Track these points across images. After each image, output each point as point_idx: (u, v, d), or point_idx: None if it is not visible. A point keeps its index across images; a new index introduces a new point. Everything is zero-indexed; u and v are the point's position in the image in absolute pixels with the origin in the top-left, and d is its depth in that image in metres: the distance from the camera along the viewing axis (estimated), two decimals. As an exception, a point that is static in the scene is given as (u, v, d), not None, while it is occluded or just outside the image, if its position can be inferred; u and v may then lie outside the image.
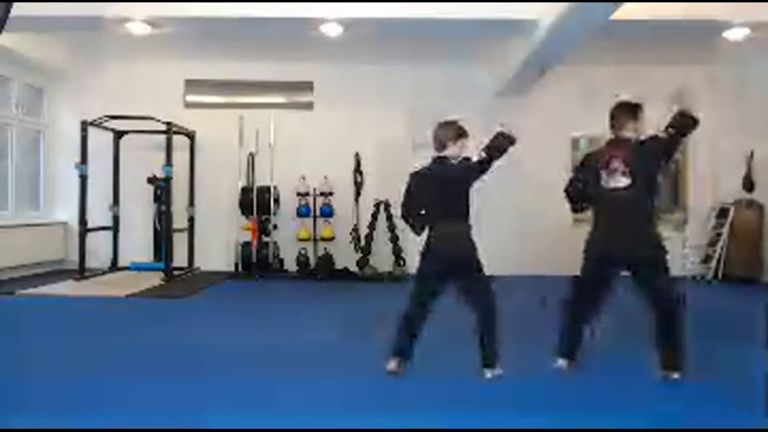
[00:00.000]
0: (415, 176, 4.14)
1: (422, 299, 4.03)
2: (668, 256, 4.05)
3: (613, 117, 4.18)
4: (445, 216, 3.98)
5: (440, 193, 4.00)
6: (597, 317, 4.20)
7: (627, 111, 4.16)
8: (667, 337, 3.96)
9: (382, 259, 8.88)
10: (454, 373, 4.04)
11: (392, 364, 4.00)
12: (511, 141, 4.09)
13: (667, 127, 3.96)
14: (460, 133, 4.05)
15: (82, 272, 8.07)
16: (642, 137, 4.11)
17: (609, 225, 4.06)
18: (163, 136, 8.26)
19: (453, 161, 4.03)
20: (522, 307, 6.62)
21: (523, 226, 8.77)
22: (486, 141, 4.07)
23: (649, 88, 9.13)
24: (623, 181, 3.98)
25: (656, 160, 4.04)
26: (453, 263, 3.96)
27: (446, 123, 4.11)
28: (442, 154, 4.05)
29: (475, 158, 4.00)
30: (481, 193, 9.33)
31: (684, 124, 3.96)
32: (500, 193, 9.01)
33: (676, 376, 3.92)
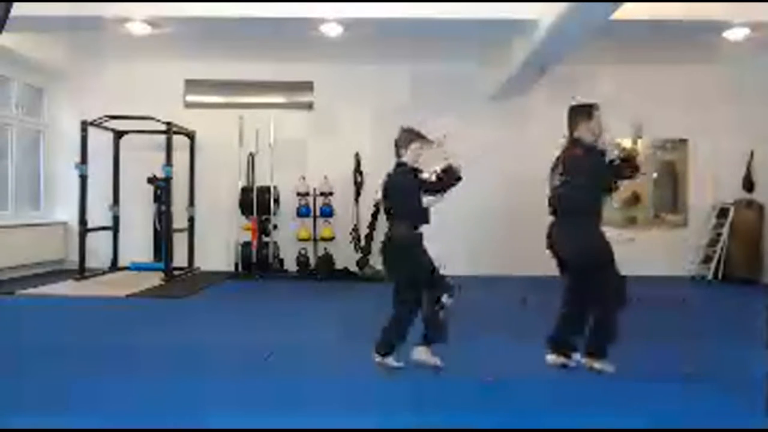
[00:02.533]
0: (384, 181, 4.32)
1: (395, 298, 4.17)
2: (602, 253, 4.02)
3: (568, 118, 4.24)
4: (393, 218, 4.19)
5: (389, 197, 4.19)
6: (575, 315, 4.19)
7: (580, 112, 4.22)
8: (596, 331, 4.06)
9: (382, 259, 8.88)
10: (455, 371, 4.05)
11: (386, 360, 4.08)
12: (456, 178, 4.18)
13: (615, 159, 4.04)
14: (412, 139, 4.16)
15: (82, 272, 8.07)
16: (601, 141, 4.15)
17: (552, 223, 4.20)
18: (163, 136, 8.26)
19: (405, 168, 4.16)
20: (521, 308, 6.64)
21: (521, 226, 8.75)
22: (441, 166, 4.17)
23: (649, 88, 9.22)
24: (560, 179, 4.13)
25: (598, 168, 4.07)
26: (391, 260, 4.18)
27: (404, 129, 4.23)
28: (400, 160, 4.19)
29: (425, 175, 4.14)
30: (482, 194, 9.33)
31: (622, 171, 4.03)
32: (500, 193, 9.06)
33: (597, 366, 4.02)
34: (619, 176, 4.07)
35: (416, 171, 4.16)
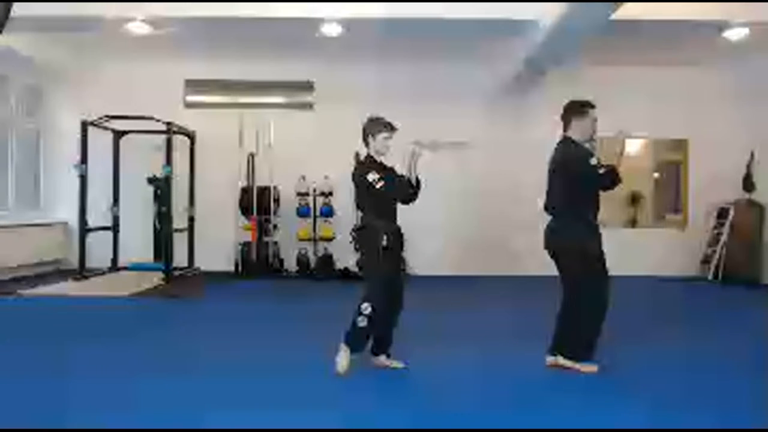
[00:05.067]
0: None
1: None
2: (582, 256, 4.02)
3: (562, 116, 4.25)
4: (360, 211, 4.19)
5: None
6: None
7: (572, 110, 4.19)
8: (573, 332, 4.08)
9: (382, 259, 8.87)
10: (454, 371, 4.06)
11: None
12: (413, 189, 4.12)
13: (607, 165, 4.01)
14: (380, 129, 4.07)
15: (82, 272, 8.07)
16: (586, 137, 4.16)
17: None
18: (163, 136, 8.26)
19: (366, 160, 4.12)
20: (520, 307, 6.64)
21: (522, 226, 8.77)
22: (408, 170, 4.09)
23: (649, 88, 9.22)
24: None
25: (573, 167, 4.07)
26: (358, 251, 4.24)
27: (370, 118, 4.14)
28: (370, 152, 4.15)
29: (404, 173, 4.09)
30: (482, 194, 9.31)
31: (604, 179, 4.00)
32: (500, 193, 9.06)
33: (577, 367, 4.02)
34: (600, 184, 4.05)
35: (377, 163, 4.07)
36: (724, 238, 8.82)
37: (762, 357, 4.54)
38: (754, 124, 8.83)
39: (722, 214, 9.01)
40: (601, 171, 3.95)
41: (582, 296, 4.04)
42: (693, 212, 9.43)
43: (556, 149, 4.22)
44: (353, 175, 4.13)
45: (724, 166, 8.98)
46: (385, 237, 3.97)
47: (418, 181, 4.08)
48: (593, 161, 3.97)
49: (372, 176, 3.96)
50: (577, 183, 4.05)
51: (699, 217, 9.35)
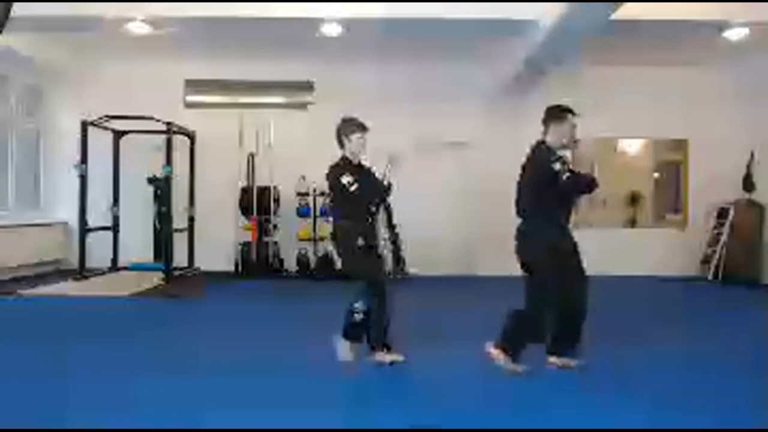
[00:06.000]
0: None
1: None
2: (553, 255, 4.00)
3: (542, 120, 4.24)
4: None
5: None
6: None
7: (549, 115, 4.20)
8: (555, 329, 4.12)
9: (382, 259, 8.87)
10: (454, 371, 4.06)
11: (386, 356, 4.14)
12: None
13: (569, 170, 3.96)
14: (353, 129, 4.19)
15: (82, 272, 8.07)
16: (561, 143, 4.15)
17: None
18: (163, 136, 8.26)
19: (341, 162, 4.22)
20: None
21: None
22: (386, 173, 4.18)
23: (649, 88, 9.22)
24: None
25: (539, 171, 4.06)
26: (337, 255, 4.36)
27: (344, 119, 4.25)
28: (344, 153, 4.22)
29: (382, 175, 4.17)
30: (482, 194, 9.30)
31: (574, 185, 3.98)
32: (499, 194, 9.05)
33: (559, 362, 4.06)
34: (573, 190, 4.04)
35: (352, 165, 4.14)
36: (724, 238, 8.82)
37: (762, 357, 4.55)
38: (754, 124, 8.83)
39: (722, 214, 9.00)
40: (565, 177, 3.90)
41: (552, 293, 4.03)
42: (693, 212, 9.43)
43: (528, 153, 4.22)
44: (327, 176, 4.16)
45: (724, 166, 8.97)
46: (360, 238, 4.04)
47: (390, 185, 4.16)
48: (557, 167, 3.92)
49: (346, 179, 4.01)
50: (544, 187, 4.03)
51: (699, 217, 9.35)
